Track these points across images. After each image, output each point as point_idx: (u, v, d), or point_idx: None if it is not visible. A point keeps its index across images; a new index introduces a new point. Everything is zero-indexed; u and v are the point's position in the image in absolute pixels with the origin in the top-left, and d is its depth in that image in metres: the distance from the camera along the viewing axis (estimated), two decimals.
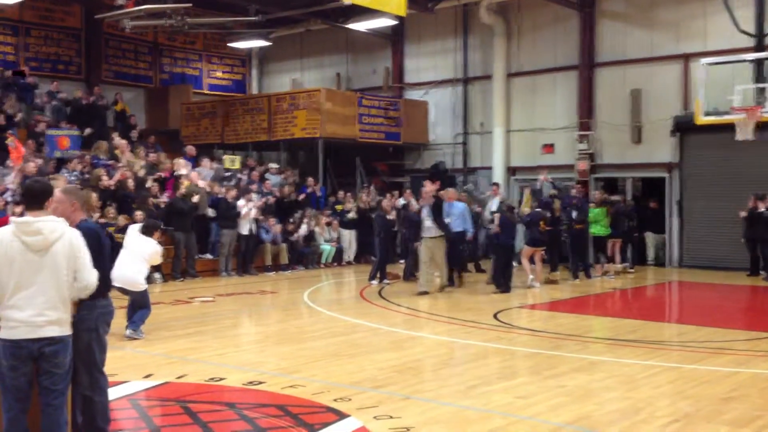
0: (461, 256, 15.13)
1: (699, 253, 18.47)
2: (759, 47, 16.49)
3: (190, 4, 18.08)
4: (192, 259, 16.12)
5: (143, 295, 9.63)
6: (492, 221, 15.47)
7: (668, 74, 18.91)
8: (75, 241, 4.76)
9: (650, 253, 18.81)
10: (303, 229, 18.20)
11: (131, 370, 7.84)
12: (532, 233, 14.49)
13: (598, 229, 15.96)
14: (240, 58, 26.60)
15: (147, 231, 9.78)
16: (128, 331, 9.47)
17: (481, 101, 21.99)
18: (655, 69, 19.11)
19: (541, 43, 20.91)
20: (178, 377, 7.55)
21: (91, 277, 4.82)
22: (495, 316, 11.42)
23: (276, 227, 17.59)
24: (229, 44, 24.58)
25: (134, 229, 9.93)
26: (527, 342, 9.64)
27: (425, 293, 13.45)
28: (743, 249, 16.90)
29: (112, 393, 6.85)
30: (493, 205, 16.19)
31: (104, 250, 5.28)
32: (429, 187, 13.71)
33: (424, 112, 22.87)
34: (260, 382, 7.34)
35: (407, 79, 23.48)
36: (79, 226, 5.09)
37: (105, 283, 5.30)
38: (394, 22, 21.29)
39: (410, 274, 15.58)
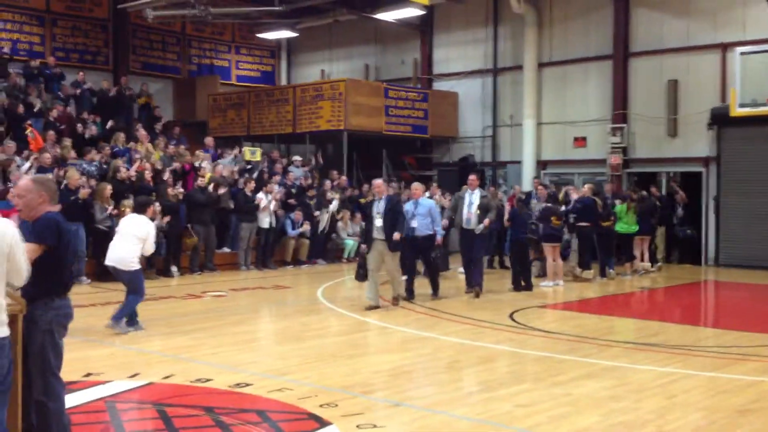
0: (432, 263, 12.75)
1: (736, 252, 17.71)
2: None
3: None
4: (211, 253, 15.89)
5: (134, 276, 9.31)
6: (476, 219, 12.66)
7: (706, 64, 18.17)
8: (8, 237, 4.28)
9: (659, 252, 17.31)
10: (333, 204, 17.80)
11: (118, 369, 7.55)
12: (544, 229, 13.89)
13: (620, 226, 15.32)
14: (269, 49, 26.35)
15: (139, 208, 9.59)
16: (110, 322, 9.18)
17: (510, 93, 21.42)
18: (692, 59, 18.38)
19: (574, 33, 20.27)
20: (164, 377, 7.24)
21: (20, 280, 4.45)
22: (511, 315, 10.95)
23: (306, 225, 17.22)
24: (257, 35, 24.34)
25: (128, 215, 9.80)
26: (539, 344, 9.15)
27: (375, 308, 11.22)
28: None
29: (93, 393, 6.65)
30: (475, 198, 12.81)
31: (63, 242, 4.89)
32: (380, 187, 11.52)
33: (453, 103, 22.37)
34: (247, 384, 6.99)
35: (436, 70, 23.00)
36: (41, 216, 4.83)
37: (63, 282, 4.98)
38: (422, 12, 20.84)
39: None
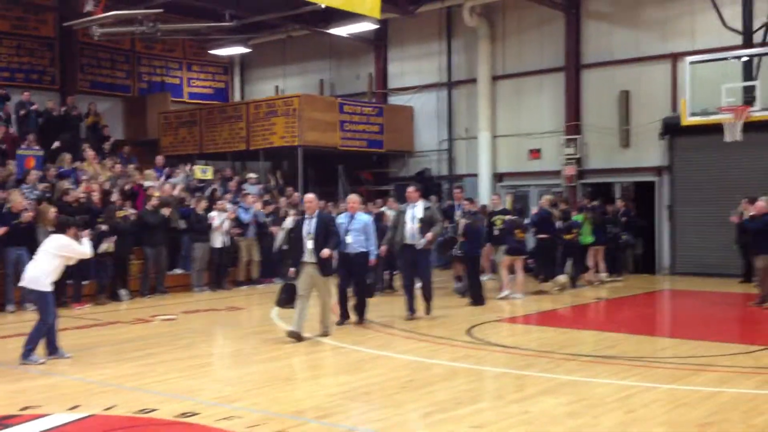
0: (365, 283, 11.53)
1: (691, 260, 17.83)
2: (747, 44, 15.87)
3: (162, 10, 17.52)
4: (162, 275, 15.48)
5: (43, 298, 8.83)
6: (419, 233, 11.73)
7: (656, 75, 18.35)
8: None
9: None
10: (288, 221, 17.33)
11: (58, 400, 7.20)
12: (508, 242, 13.83)
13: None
14: (222, 66, 26.04)
15: (59, 228, 9.29)
16: (21, 360, 8.72)
17: (465, 106, 21.42)
18: (643, 69, 18.53)
19: (527, 45, 20.34)
20: (106, 409, 6.90)
21: None
22: (468, 331, 10.78)
23: (257, 205, 16.87)
24: (209, 51, 24.03)
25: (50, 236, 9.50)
26: (497, 360, 9.00)
27: (296, 335, 10.05)
28: (736, 255, 16.25)
29: (29, 428, 6.30)
30: (417, 211, 11.85)
31: None
32: (312, 203, 10.40)
33: (409, 117, 22.29)
34: (194, 414, 6.69)
35: (391, 84, 22.93)
36: None
37: None
38: (376, 27, 20.73)
39: (387, 287, 15.12)
